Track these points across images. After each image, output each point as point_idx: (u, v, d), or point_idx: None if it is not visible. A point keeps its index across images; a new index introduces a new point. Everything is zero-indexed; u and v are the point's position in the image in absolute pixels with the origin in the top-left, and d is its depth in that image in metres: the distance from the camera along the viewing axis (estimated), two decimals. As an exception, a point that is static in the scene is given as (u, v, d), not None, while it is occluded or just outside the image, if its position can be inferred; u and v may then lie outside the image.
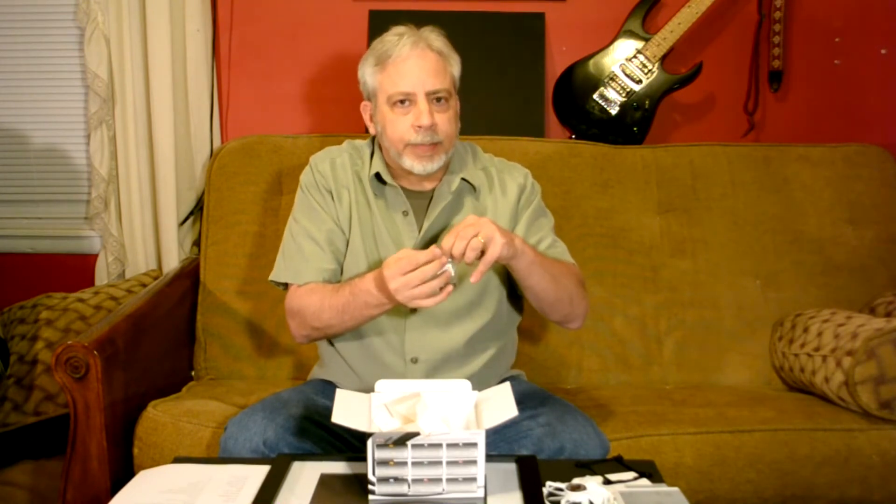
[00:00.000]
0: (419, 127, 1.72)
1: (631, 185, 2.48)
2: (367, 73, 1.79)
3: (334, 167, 1.86)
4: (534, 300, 1.77)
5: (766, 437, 1.94)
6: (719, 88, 2.71)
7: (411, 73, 1.73)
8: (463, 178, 1.84)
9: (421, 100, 1.73)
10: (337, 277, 1.83)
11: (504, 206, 1.85)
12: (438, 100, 1.74)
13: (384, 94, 1.76)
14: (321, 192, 1.84)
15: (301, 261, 1.81)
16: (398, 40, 1.75)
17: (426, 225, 1.80)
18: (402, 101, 1.74)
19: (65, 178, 2.82)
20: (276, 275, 1.85)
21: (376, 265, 1.78)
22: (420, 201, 1.83)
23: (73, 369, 1.86)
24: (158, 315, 2.23)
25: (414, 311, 1.77)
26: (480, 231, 1.57)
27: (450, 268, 1.58)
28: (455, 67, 1.80)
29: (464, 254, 1.56)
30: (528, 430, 1.64)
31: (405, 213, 1.82)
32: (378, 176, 1.82)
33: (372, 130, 1.84)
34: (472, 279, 1.60)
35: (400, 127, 1.75)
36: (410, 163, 1.76)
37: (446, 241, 1.58)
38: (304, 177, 1.88)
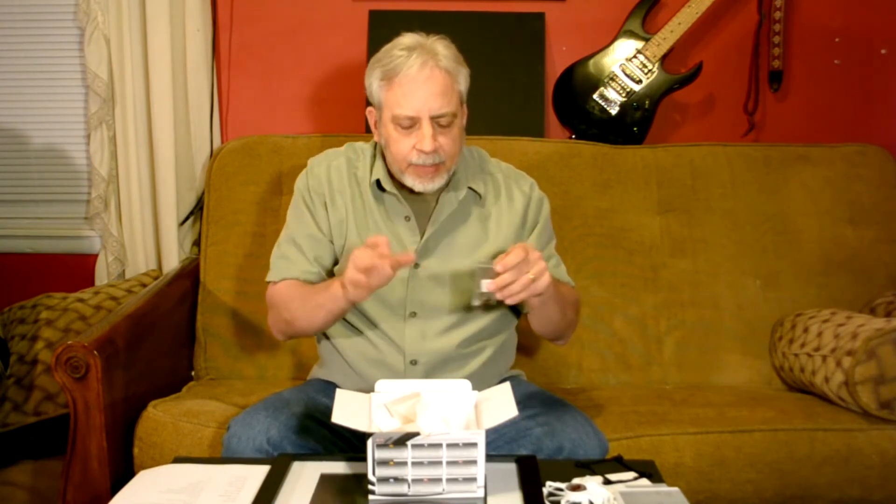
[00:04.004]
0: (421, 150, 1.72)
1: (631, 185, 2.48)
2: (374, 85, 1.77)
3: (329, 171, 1.85)
4: (534, 322, 1.79)
5: (766, 437, 1.94)
6: (719, 88, 2.71)
7: (417, 95, 1.70)
8: (469, 188, 1.83)
9: (425, 124, 1.70)
10: (320, 279, 1.83)
11: (509, 215, 1.85)
12: (443, 121, 1.73)
13: (389, 111, 1.74)
14: (311, 196, 1.84)
15: (285, 264, 1.83)
16: (407, 57, 1.71)
17: (429, 231, 1.80)
18: (405, 125, 1.72)
19: (65, 178, 2.82)
20: (268, 275, 1.87)
21: None
22: (422, 205, 1.82)
23: (73, 369, 1.86)
24: (158, 315, 2.23)
25: (413, 314, 1.78)
26: (533, 269, 1.57)
27: (486, 285, 1.57)
28: (463, 83, 1.77)
29: (506, 285, 1.56)
30: (527, 430, 1.65)
31: (407, 219, 1.81)
32: (379, 183, 1.82)
33: (376, 137, 1.83)
34: (508, 301, 1.59)
35: (403, 147, 1.74)
36: (412, 181, 1.77)
37: (504, 264, 1.55)
38: (299, 181, 1.88)
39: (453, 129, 1.75)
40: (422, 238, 1.80)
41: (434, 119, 1.71)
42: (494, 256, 1.60)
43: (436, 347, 1.77)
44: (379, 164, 1.83)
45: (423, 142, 1.71)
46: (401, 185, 1.81)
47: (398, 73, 1.71)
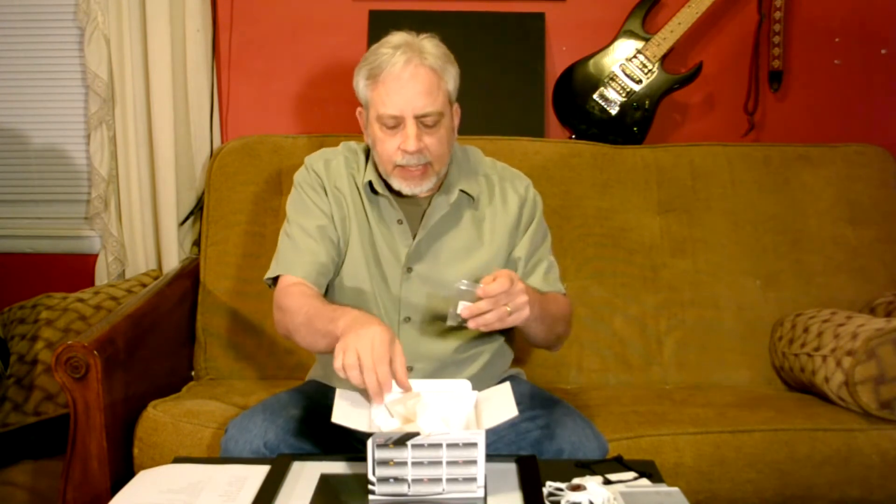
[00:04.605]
0: (406, 151, 1.68)
1: (631, 185, 2.48)
2: (360, 84, 1.73)
3: (328, 168, 1.82)
4: (522, 334, 1.76)
5: (766, 437, 1.94)
6: (719, 88, 2.71)
7: (400, 94, 1.66)
8: (461, 190, 1.79)
9: (409, 124, 1.67)
10: (329, 271, 1.77)
11: (503, 218, 1.81)
12: (428, 121, 1.69)
13: (374, 111, 1.71)
14: (315, 189, 1.80)
15: (294, 253, 1.75)
16: (391, 55, 1.67)
17: (421, 235, 1.77)
18: (390, 124, 1.68)
19: (65, 178, 2.82)
20: (270, 271, 1.78)
21: (376, 270, 1.77)
22: (415, 209, 1.79)
23: (73, 369, 1.86)
24: (158, 315, 2.23)
25: (407, 319, 1.76)
26: (513, 302, 1.53)
27: (462, 308, 1.52)
28: (451, 82, 1.73)
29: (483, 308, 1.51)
30: (526, 433, 1.64)
31: (399, 222, 1.78)
32: (371, 185, 1.79)
33: (365, 138, 1.80)
34: (482, 329, 1.54)
35: (388, 147, 1.70)
36: (399, 184, 1.73)
37: (485, 291, 1.50)
38: (298, 175, 1.84)
39: (440, 129, 1.70)
40: (413, 242, 1.76)
41: (419, 118, 1.67)
42: (478, 277, 1.55)
43: (431, 353, 1.75)
44: (371, 165, 1.80)
45: (407, 142, 1.67)
46: (392, 188, 1.78)
47: (382, 71, 1.67)
